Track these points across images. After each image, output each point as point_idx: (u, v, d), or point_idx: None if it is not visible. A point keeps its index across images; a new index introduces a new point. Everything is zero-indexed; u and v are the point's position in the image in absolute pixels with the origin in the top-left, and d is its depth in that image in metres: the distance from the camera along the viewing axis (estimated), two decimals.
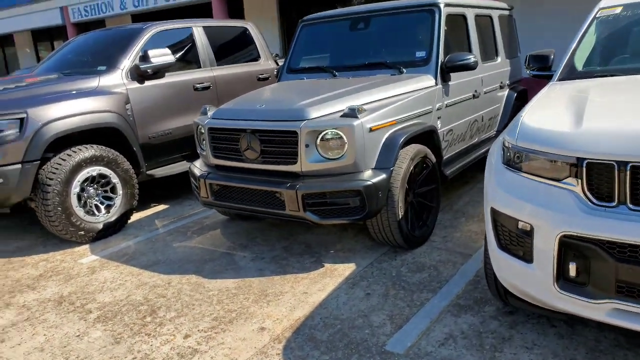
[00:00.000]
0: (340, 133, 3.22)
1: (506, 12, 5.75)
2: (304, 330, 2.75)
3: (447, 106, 4.18)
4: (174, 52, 5.14)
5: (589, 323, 2.58)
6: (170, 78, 5.13)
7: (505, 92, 5.49)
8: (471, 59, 3.98)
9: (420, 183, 3.75)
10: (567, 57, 3.28)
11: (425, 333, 2.64)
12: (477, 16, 4.84)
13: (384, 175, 3.31)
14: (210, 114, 3.85)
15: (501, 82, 5.33)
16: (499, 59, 5.32)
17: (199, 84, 5.40)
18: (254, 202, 3.51)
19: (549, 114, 2.33)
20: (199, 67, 5.51)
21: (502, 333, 2.58)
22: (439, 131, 4.05)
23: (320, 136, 3.26)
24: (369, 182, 3.23)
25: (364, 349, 2.54)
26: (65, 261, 3.99)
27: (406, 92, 3.80)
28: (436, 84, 4.02)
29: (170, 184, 6.18)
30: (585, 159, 1.93)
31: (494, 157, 2.47)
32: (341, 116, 3.31)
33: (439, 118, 4.08)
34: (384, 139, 3.42)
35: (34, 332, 2.95)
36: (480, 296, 2.97)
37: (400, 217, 3.45)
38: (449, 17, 4.32)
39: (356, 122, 3.21)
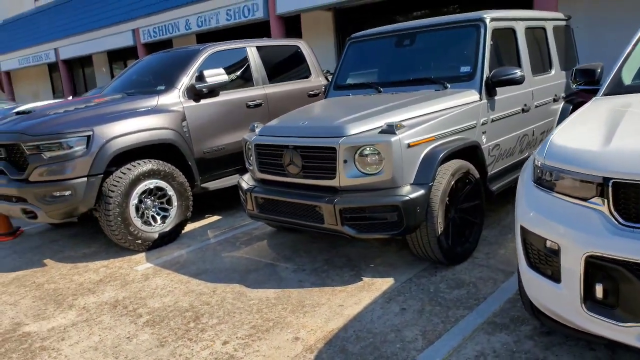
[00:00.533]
0: (378, 149, 3.28)
1: (562, 23, 5.59)
2: (336, 342, 2.82)
3: (492, 121, 4.14)
4: (228, 72, 5.40)
5: (632, 348, 2.47)
6: (224, 96, 5.40)
7: (560, 105, 5.32)
8: (517, 73, 3.93)
9: (463, 199, 3.73)
10: (615, 70, 3.17)
11: (457, 350, 2.64)
12: (527, 29, 4.76)
13: (422, 191, 3.34)
14: (257, 131, 4.03)
15: (555, 95, 5.18)
16: (553, 72, 5.17)
17: (251, 101, 5.63)
18: (295, 215, 3.64)
19: (581, 131, 2.29)
20: (252, 85, 5.75)
21: (536, 354, 2.53)
22: (483, 146, 4.01)
23: (358, 152, 3.33)
24: (406, 198, 3.26)
25: None
26: (123, 268, 4.29)
27: (448, 107, 3.80)
28: (480, 99, 3.99)
29: (226, 195, 6.45)
30: (611, 178, 1.89)
31: (525, 174, 2.45)
32: (379, 132, 3.38)
33: (484, 133, 4.04)
34: (422, 155, 3.44)
35: (91, 332, 3.21)
36: (517, 315, 2.92)
37: (439, 232, 3.45)
38: (496, 31, 4.28)
39: (394, 139, 3.26)
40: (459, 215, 3.73)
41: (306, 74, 6.45)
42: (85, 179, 4.30)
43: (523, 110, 4.58)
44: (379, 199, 3.29)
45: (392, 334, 2.85)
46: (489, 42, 4.12)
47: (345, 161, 3.35)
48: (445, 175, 3.49)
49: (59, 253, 4.89)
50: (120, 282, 3.98)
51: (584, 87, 3.45)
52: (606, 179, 1.91)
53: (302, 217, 3.59)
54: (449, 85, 4.10)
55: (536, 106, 4.82)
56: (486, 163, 4.02)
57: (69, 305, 3.66)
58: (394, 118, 3.54)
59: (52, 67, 22.02)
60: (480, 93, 4.00)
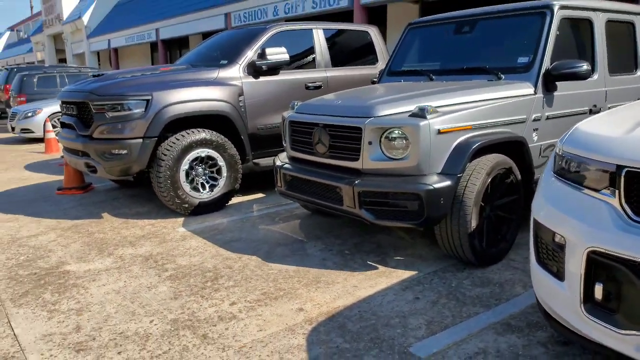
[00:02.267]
0: (405, 132, 3.14)
1: None
2: (338, 318, 2.79)
3: (548, 118, 3.83)
4: (291, 52, 5.47)
5: None
6: (284, 75, 5.48)
7: None
8: (583, 67, 3.60)
9: (500, 195, 3.49)
10: None
11: (458, 344, 2.50)
12: (609, 21, 4.34)
13: (448, 182, 3.15)
14: (295, 108, 4.04)
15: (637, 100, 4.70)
16: (638, 73, 4.70)
17: (311, 82, 5.67)
18: (319, 196, 3.60)
19: (611, 120, 2.06)
20: (314, 67, 5.78)
21: None
22: (533, 145, 3.72)
23: (385, 134, 3.21)
24: (430, 187, 3.09)
25: (387, 346, 2.49)
26: (166, 228, 4.52)
27: (494, 98, 3.55)
28: (535, 93, 3.70)
29: None
30: (625, 167, 1.68)
31: (547, 165, 2.25)
32: (409, 116, 3.23)
33: (535, 130, 3.75)
34: (455, 144, 3.24)
35: (119, 278, 3.42)
36: (537, 320, 2.70)
37: (472, 231, 3.24)
38: (567, 20, 3.96)
39: (422, 123, 3.10)
40: (495, 213, 3.50)
41: (373, 61, 6.37)
42: (141, 140, 4.57)
43: (591, 112, 4.20)
44: (400, 185, 3.14)
45: (397, 319, 2.76)
46: (554, 31, 3.81)
47: (370, 143, 3.24)
48: (481, 172, 3.24)
49: (116, 209, 5.25)
50: (159, 240, 4.19)
51: None
52: (620, 168, 1.70)
53: (325, 197, 3.55)
54: (503, 76, 3.84)
55: (609, 108, 4.41)
56: (533, 163, 3.72)
57: (109, 253, 3.92)
58: (430, 103, 3.36)
59: (153, 47, 23.55)
60: (535, 86, 3.70)
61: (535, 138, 3.76)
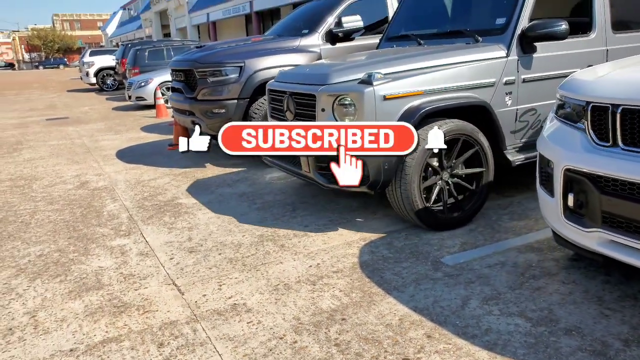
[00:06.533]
0: (352, 99, 3.25)
1: None
2: (387, 238, 3.44)
3: (525, 81, 3.69)
4: (365, 19, 6.01)
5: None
6: (358, 41, 6.04)
7: None
8: (561, 26, 3.45)
9: (461, 164, 3.48)
10: None
11: (482, 258, 3.05)
12: None
13: None
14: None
15: None
16: None
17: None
18: (286, 161, 3.85)
19: (599, 69, 2.46)
20: None
21: (550, 269, 2.83)
22: (506, 109, 3.63)
23: (337, 101, 3.32)
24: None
25: (423, 257, 3.12)
26: (256, 175, 5.40)
27: (457, 62, 3.51)
28: (507, 55, 3.59)
29: None
30: (590, 102, 2.14)
31: (552, 109, 2.70)
32: (358, 83, 3.30)
33: (508, 94, 3.63)
34: (403, 110, 3.25)
35: (219, 208, 4.33)
36: (558, 245, 3.16)
37: (413, 195, 3.28)
38: None
39: (367, 89, 3.18)
40: (453, 181, 3.48)
41: None
42: (236, 100, 5.44)
43: None
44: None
45: (436, 240, 3.36)
46: None
47: (323, 109, 3.38)
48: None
49: (216, 161, 6.23)
50: (250, 182, 5.08)
51: None
52: (588, 103, 2.16)
53: (290, 163, 3.80)
54: (480, 39, 3.78)
55: None
56: (501, 128, 3.61)
57: (211, 191, 4.87)
58: (385, 69, 3.37)
59: (248, 19, 24.85)
60: (508, 48, 3.60)
61: (509, 102, 3.66)
